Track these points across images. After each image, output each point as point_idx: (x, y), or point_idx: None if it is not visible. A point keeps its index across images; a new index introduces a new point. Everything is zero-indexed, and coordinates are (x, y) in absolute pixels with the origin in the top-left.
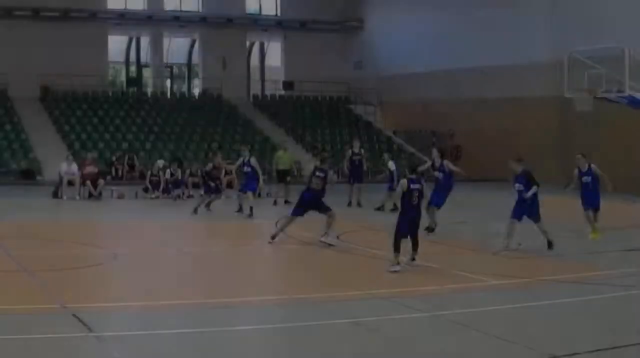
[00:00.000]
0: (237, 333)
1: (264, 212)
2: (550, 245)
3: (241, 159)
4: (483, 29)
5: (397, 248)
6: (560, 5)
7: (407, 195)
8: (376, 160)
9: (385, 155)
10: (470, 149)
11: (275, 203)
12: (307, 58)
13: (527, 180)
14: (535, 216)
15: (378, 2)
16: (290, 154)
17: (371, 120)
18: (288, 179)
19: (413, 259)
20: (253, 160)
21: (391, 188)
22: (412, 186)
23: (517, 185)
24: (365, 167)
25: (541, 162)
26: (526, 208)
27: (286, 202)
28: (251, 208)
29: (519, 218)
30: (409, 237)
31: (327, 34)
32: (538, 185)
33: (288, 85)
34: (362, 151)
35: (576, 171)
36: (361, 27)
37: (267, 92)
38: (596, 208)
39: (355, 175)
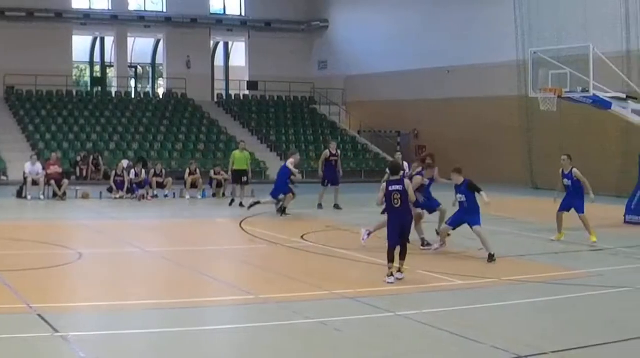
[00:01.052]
0: (202, 333)
1: (224, 212)
2: (491, 257)
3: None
4: (448, 29)
5: (390, 259)
6: (525, 5)
7: (387, 197)
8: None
9: (398, 155)
10: (435, 149)
11: (231, 203)
12: (271, 58)
13: (469, 189)
14: (474, 221)
15: (343, 2)
16: (247, 154)
17: (336, 121)
18: (244, 179)
19: (399, 271)
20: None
21: None
22: (391, 188)
23: (458, 196)
24: (340, 169)
25: (506, 161)
26: (465, 217)
27: (241, 205)
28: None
29: (453, 226)
30: (400, 241)
31: (291, 34)
32: (479, 191)
33: (252, 85)
34: (339, 152)
35: (560, 172)
36: (326, 28)
37: (232, 92)
38: (580, 213)
39: (332, 177)
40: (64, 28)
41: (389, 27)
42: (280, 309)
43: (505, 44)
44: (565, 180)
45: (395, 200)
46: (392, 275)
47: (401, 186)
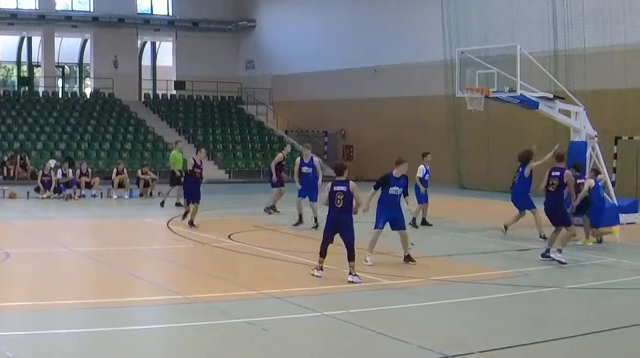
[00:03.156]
0: (131, 334)
1: (152, 212)
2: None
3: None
4: (375, 29)
5: (321, 254)
6: (453, 5)
7: (330, 197)
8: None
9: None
10: (362, 148)
11: (162, 204)
12: (199, 58)
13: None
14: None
15: (270, 2)
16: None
17: (263, 121)
18: (182, 180)
19: (350, 273)
20: (316, 160)
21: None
22: (335, 188)
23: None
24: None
25: (433, 161)
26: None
27: (178, 204)
28: (315, 218)
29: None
30: (344, 243)
31: (219, 34)
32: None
33: (180, 85)
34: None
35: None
36: (253, 27)
37: (159, 92)
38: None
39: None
40: None
41: (316, 27)
42: (208, 309)
43: (433, 44)
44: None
45: (339, 201)
46: (321, 269)
47: (346, 187)
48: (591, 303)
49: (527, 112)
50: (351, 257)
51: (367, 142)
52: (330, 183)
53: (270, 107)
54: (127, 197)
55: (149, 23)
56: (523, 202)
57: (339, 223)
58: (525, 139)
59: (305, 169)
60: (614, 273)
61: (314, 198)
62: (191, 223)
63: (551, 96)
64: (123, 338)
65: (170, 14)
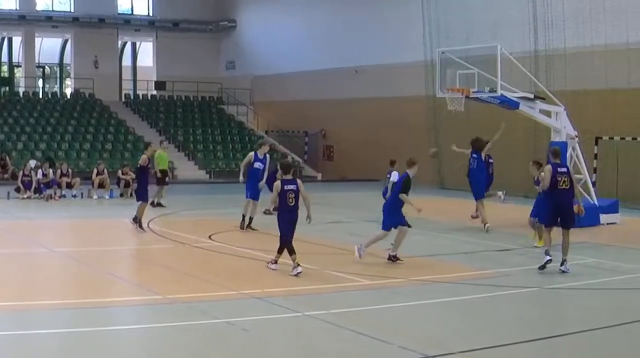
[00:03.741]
0: (111, 333)
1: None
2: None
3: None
4: (356, 29)
5: (290, 251)
6: (433, 5)
7: (282, 196)
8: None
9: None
10: (342, 148)
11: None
12: (179, 58)
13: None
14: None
15: (250, 2)
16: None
17: (243, 121)
18: (167, 179)
19: (297, 265)
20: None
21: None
22: (286, 187)
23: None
24: None
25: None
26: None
27: (158, 204)
28: (251, 218)
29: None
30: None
31: (199, 34)
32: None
33: (160, 85)
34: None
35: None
36: (233, 28)
37: (139, 92)
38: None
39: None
40: None
41: (296, 27)
42: (188, 309)
43: (413, 44)
44: (537, 187)
45: (290, 199)
46: (298, 265)
47: (295, 186)
48: (571, 303)
49: (507, 112)
50: (293, 250)
51: (347, 142)
52: (278, 182)
53: (251, 107)
54: (107, 197)
55: (129, 23)
56: (482, 190)
57: (294, 221)
58: (506, 139)
59: (257, 164)
60: (594, 274)
61: (256, 198)
62: (137, 222)
63: (531, 96)
64: (103, 338)
65: (151, 14)
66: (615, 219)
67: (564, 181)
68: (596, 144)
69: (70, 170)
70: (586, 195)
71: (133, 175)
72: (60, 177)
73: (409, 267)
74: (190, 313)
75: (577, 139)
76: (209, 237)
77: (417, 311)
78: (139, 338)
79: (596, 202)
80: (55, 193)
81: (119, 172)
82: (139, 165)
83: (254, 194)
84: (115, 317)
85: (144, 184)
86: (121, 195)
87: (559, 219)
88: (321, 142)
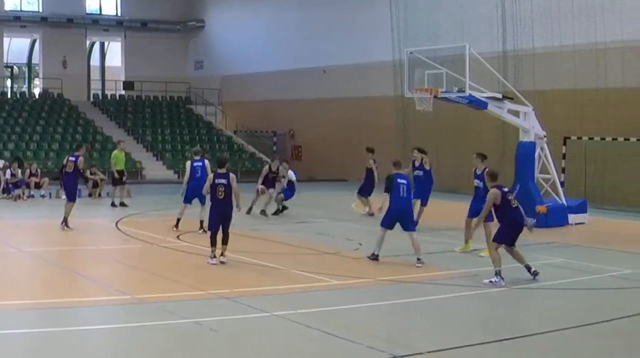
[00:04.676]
0: (79, 334)
1: (100, 212)
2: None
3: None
4: (324, 29)
5: (212, 243)
6: (401, 5)
7: (212, 189)
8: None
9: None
10: (311, 149)
11: (113, 204)
12: (147, 58)
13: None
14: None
15: (218, 2)
16: (124, 153)
17: (212, 121)
18: (124, 179)
19: (222, 254)
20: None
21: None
22: (216, 181)
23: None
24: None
25: (381, 161)
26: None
27: (122, 203)
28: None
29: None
30: (221, 229)
31: (167, 34)
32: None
33: (128, 85)
34: (280, 169)
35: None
36: (202, 27)
37: (108, 92)
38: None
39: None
40: None
41: (265, 27)
42: (156, 309)
43: (382, 44)
44: (476, 181)
45: (220, 192)
46: (214, 256)
47: (226, 180)
48: (539, 304)
49: (476, 112)
50: (226, 241)
51: (315, 142)
52: (211, 175)
53: (219, 107)
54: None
55: (98, 23)
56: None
57: (224, 213)
58: (474, 139)
59: (195, 164)
60: (562, 274)
61: (203, 202)
62: (65, 222)
63: (500, 96)
64: (71, 338)
65: (119, 14)
66: (583, 219)
67: (513, 201)
68: (564, 144)
69: (39, 170)
70: (554, 195)
71: (101, 176)
72: (29, 177)
73: (376, 267)
74: (159, 313)
75: (545, 139)
76: (177, 237)
77: (385, 311)
78: (107, 338)
79: (564, 202)
80: (23, 194)
81: (87, 172)
82: (77, 167)
83: (200, 199)
84: (84, 317)
85: (75, 184)
86: (89, 195)
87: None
88: (289, 142)
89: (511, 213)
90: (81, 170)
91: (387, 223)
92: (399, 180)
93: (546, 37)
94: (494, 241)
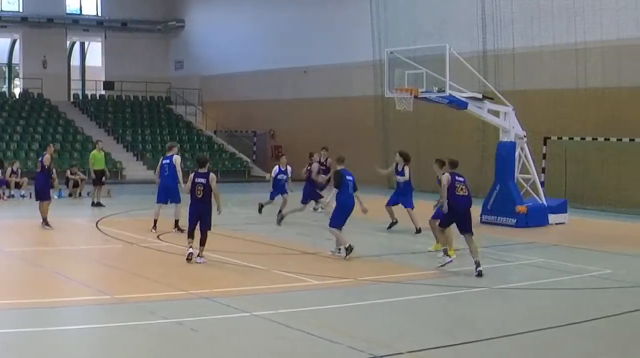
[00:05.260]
0: (59, 334)
1: (81, 212)
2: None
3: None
4: (305, 29)
5: (190, 236)
6: (382, 5)
7: (192, 188)
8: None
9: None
10: (292, 148)
11: (93, 204)
12: (127, 58)
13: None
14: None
15: (199, 2)
16: (103, 153)
17: (192, 121)
18: (104, 179)
19: (199, 255)
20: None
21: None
22: (196, 180)
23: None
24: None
25: (362, 161)
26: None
27: (98, 203)
28: (176, 221)
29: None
30: (200, 228)
31: (148, 34)
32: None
33: (108, 85)
34: (289, 168)
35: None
36: (182, 27)
37: (88, 92)
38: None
39: (321, 187)
40: None
41: (245, 27)
42: (137, 309)
43: (362, 44)
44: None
45: (199, 192)
46: (191, 247)
47: (205, 179)
48: (519, 304)
49: (456, 112)
50: (203, 242)
51: (295, 142)
52: (192, 174)
53: (199, 107)
54: (56, 196)
55: (78, 23)
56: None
57: (201, 213)
58: (455, 139)
59: (164, 161)
60: (542, 274)
61: (176, 200)
62: (45, 222)
63: (480, 96)
64: (51, 338)
65: (99, 14)
66: (563, 219)
67: (462, 188)
68: (545, 144)
69: (19, 170)
70: (535, 195)
71: (82, 175)
72: (10, 176)
73: (356, 267)
74: (139, 313)
75: (525, 139)
76: (158, 237)
77: (365, 311)
78: (87, 338)
79: (545, 202)
80: (3, 194)
81: (68, 172)
82: (44, 166)
83: (173, 198)
84: (64, 317)
85: (47, 184)
86: (70, 195)
87: (458, 225)
88: (270, 142)
89: (455, 198)
90: (48, 169)
91: (340, 222)
92: (346, 177)
93: (526, 37)
94: (439, 225)
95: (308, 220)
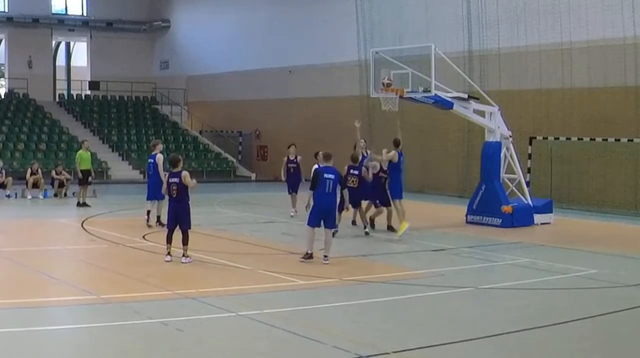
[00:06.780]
0: (44, 334)
1: (66, 212)
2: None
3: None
4: (290, 29)
5: (168, 240)
6: (367, 5)
7: (167, 188)
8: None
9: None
10: (277, 148)
11: (79, 204)
12: (113, 58)
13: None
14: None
15: (184, 2)
16: (89, 153)
17: (177, 121)
18: (90, 179)
19: (183, 255)
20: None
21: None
22: (170, 180)
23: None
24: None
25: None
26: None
27: (84, 203)
28: (158, 217)
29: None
30: (180, 229)
31: (133, 34)
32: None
33: (94, 85)
34: (298, 158)
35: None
36: (167, 27)
37: (73, 92)
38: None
39: (293, 184)
40: None
41: (231, 27)
42: (122, 309)
43: (347, 44)
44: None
45: (173, 191)
46: (169, 253)
47: (178, 179)
48: (505, 304)
49: (442, 112)
50: (185, 241)
51: (281, 142)
52: (167, 174)
53: (185, 107)
54: (41, 197)
55: (64, 23)
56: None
57: (177, 212)
58: (441, 139)
59: (149, 160)
60: (528, 274)
61: (159, 197)
62: None
63: (465, 96)
64: (36, 338)
65: (85, 14)
66: (549, 219)
67: (353, 181)
68: (530, 144)
69: (4, 170)
70: (520, 195)
71: (67, 175)
72: None
73: (342, 267)
74: (125, 313)
75: (511, 139)
76: (143, 237)
77: (350, 311)
78: (72, 338)
79: (530, 202)
80: None
81: (53, 172)
82: None
83: (157, 195)
84: (49, 317)
85: None
86: (55, 195)
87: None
88: (255, 142)
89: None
90: None
91: (313, 221)
92: (324, 175)
93: (512, 37)
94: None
95: (294, 220)
